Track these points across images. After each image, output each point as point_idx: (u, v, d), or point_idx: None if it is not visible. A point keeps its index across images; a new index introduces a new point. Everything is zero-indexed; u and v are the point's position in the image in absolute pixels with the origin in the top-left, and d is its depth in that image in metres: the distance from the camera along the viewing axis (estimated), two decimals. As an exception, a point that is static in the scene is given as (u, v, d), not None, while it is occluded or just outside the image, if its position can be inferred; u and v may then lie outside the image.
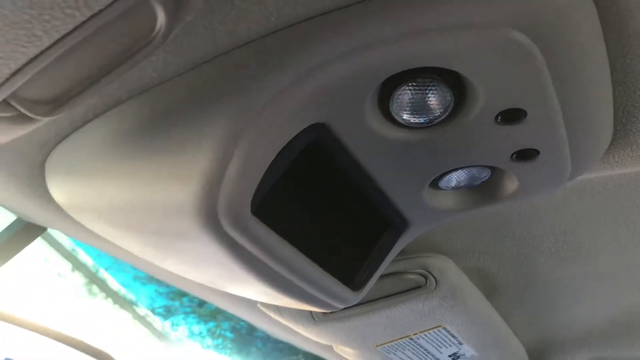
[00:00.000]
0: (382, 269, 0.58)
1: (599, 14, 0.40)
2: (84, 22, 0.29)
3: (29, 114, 0.33)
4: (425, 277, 0.73)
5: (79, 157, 0.44)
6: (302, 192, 0.47)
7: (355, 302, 0.56)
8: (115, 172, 0.41)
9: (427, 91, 0.41)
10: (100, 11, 0.28)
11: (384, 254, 0.56)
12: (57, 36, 0.29)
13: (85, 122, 0.43)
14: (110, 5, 0.28)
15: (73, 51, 0.30)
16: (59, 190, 0.47)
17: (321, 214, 0.51)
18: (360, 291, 0.56)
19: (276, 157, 0.40)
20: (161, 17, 0.31)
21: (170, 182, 0.38)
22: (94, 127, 0.43)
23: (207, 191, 0.37)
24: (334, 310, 0.65)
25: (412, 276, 0.73)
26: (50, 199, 0.49)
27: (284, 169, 0.42)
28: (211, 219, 0.38)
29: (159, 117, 0.40)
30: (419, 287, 0.73)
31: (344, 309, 0.69)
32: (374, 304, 0.74)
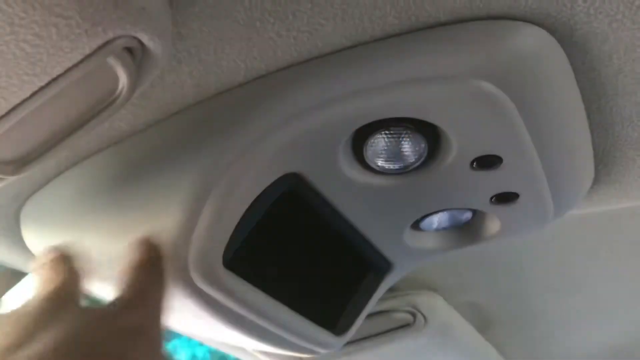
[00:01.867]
0: (367, 311, 0.57)
1: (569, 61, 0.40)
2: (43, 87, 0.28)
3: None
4: (414, 315, 0.72)
5: (52, 208, 0.43)
6: (278, 239, 0.47)
7: (339, 347, 0.55)
8: (87, 224, 0.41)
9: (401, 139, 0.41)
10: (60, 75, 0.28)
11: (368, 296, 0.56)
12: (16, 101, 0.29)
13: (58, 174, 0.43)
14: (69, 70, 0.28)
15: (35, 113, 0.30)
16: (33, 240, 0.46)
17: (300, 260, 0.50)
18: (344, 335, 0.55)
19: (248, 209, 0.40)
20: (123, 79, 0.31)
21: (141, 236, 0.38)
22: (67, 179, 0.43)
23: (176, 248, 0.36)
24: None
25: (400, 314, 0.72)
26: (26, 247, 0.48)
27: (257, 220, 0.41)
28: (182, 275, 0.37)
29: (129, 169, 0.40)
30: (407, 325, 0.72)
31: (331, 350, 0.68)
32: (362, 343, 0.73)
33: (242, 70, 0.38)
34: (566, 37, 0.38)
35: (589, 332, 0.94)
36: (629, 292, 0.81)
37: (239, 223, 0.39)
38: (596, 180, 0.53)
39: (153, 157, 0.39)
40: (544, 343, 0.97)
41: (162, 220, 0.37)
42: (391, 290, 0.70)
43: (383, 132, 0.41)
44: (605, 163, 0.51)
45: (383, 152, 0.42)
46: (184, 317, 0.45)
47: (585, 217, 0.64)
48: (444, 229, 0.53)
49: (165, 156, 0.39)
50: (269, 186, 0.40)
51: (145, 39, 0.29)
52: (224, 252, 0.39)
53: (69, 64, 0.28)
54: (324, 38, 0.36)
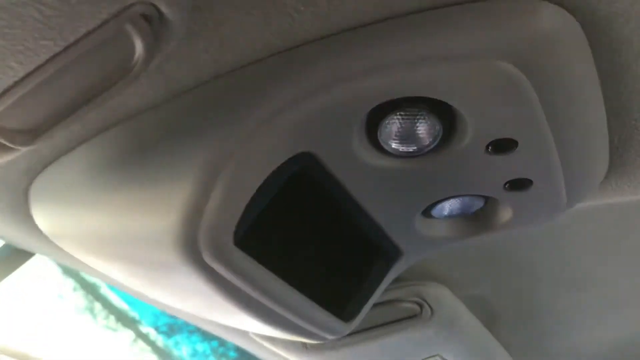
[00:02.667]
0: (375, 298, 0.57)
1: (590, 43, 0.39)
2: (59, 53, 0.28)
3: (8, 144, 0.32)
4: (421, 306, 0.71)
5: (62, 185, 0.43)
6: (289, 221, 0.47)
7: (346, 333, 0.55)
8: (97, 201, 0.40)
9: (416, 120, 0.41)
10: (76, 42, 0.28)
11: (376, 283, 0.55)
12: (31, 67, 0.28)
13: (69, 150, 0.43)
14: (85, 36, 0.28)
15: (50, 81, 0.30)
16: (42, 218, 0.46)
17: (310, 243, 0.50)
18: (352, 322, 0.55)
19: (260, 186, 0.39)
20: (139, 47, 0.30)
21: (151, 213, 0.37)
22: (78, 155, 0.43)
23: (187, 223, 0.36)
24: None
25: (407, 305, 0.72)
26: (35, 226, 0.48)
27: (269, 199, 0.41)
28: (192, 251, 0.37)
29: (141, 146, 0.40)
30: (414, 315, 0.72)
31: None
32: (368, 333, 0.73)
33: (258, 46, 0.37)
34: (587, 18, 0.37)
35: (597, 329, 0.93)
36: (639, 288, 0.80)
37: (250, 201, 0.39)
38: (610, 171, 0.53)
39: (166, 134, 0.39)
40: (550, 339, 0.96)
41: (173, 196, 0.36)
42: (398, 280, 0.70)
43: (398, 113, 0.40)
44: (620, 153, 0.50)
45: (397, 133, 0.41)
46: (190, 296, 0.44)
47: (596, 210, 0.63)
48: (456, 216, 0.53)
49: (179, 133, 0.39)
50: (281, 164, 0.40)
51: (163, 6, 0.28)
52: (235, 230, 0.39)
53: (85, 30, 0.27)
54: (342, 14, 0.36)
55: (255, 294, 0.42)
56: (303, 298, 0.47)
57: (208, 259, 0.38)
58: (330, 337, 0.54)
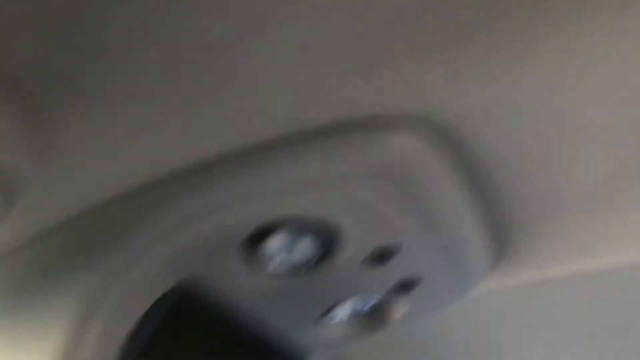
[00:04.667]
0: None
1: (449, 158, 0.42)
2: None
3: None
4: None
5: None
6: (180, 345, 0.46)
7: None
8: None
9: (293, 241, 0.42)
10: None
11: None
12: None
13: None
14: None
15: None
16: None
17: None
18: None
19: (140, 322, 0.39)
20: None
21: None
22: None
23: None
24: None
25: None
26: None
27: (151, 332, 0.41)
28: None
29: (9, 289, 0.39)
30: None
31: None
32: None
33: (124, 181, 0.38)
34: (442, 140, 0.40)
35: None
36: None
37: (131, 338, 0.39)
38: (499, 258, 0.55)
39: (30, 279, 0.38)
40: None
41: (42, 345, 0.36)
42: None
43: (276, 236, 0.41)
44: (501, 241, 0.53)
45: (276, 255, 0.42)
46: None
47: (492, 295, 0.65)
48: (350, 317, 0.54)
49: (42, 278, 0.38)
50: (163, 295, 0.40)
51: (8, 164, 0.29)
52: None
53: None
54: (211, 144, 0.37)
55: None
56: None
57: None
58: None
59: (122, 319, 0.38)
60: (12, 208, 0.31)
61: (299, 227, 0.41)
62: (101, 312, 0.36)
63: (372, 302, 0.53)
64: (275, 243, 0.42)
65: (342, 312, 0.52)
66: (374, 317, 0.54)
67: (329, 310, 0.50)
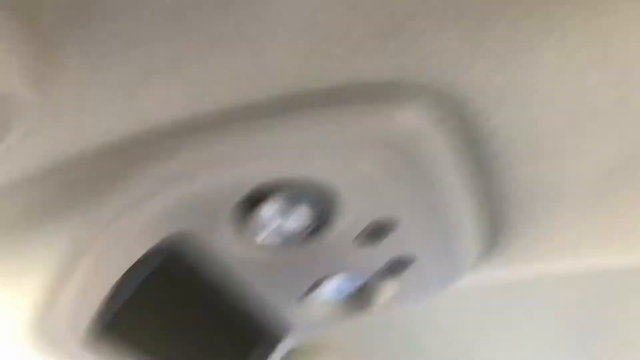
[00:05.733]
0: None
1: (459, 134, 0.41)
2: None
3: None
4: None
5: None
6: (161, 305, 0.45)
7: None
8: None
9: (289, 209, 0.41)
10: None
11: (259, 365, 0.54)
12: None
13: None
14: None
15: None
16: None
17: (187, 327, 0.48)
18: None
19: (125, 274, 0.38)
20: None
21: (4, 300, 0.35)
22: None
23: (38, 317, 0.34)
24: None
25: (297, 379, 0.70)
26: None
27: (136, 285, 0.39)
28: (42, 347, 0.35)
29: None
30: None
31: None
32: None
33: (123, 127, 0.36)
34: (454, 113, 0.39)
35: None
36: None
37: (114, 290, 0.37)
38: (491, 246, 0.55)
39: (23, 215, 0.37)
40: None
41: (23, 286, 0.34)
42: (292, 350, 0.68)
43: (271, 202, 0.40)
44: (499, 228, 0.52)
45: (268, 224, 0.41)
46: None
47: (481, 286, 0.65)
48: (336, 297, 0.53)
49: (36, 215, 0.36)
50: (149, 250, 0.39)
51: (8, 90, 0.27)
52: (98, 322, 0.37)
53: None
54: (212, 95, 0.35)
55: None
56: None
57: (60, 355, 0.36)
58: None
59: (109, 267, 0.36)
60: (6, 137, 0.30)
61: (295, 194, 0.40)
62: (87, 259, 0.35)
63: (359, 283, 0.52)
64: (269, 210, 0.40)
65: (328, 291, 0.51)
66: (360, 300, 0.54)
67: (315, 287, 0.49)
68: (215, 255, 0.42)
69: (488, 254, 0.56)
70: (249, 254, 0.42)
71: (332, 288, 0.51)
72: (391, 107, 0.37)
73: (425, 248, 0.46)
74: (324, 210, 0.41)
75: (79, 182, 0.37)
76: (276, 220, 0.41)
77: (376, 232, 0.43)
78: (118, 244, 0.36)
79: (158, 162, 0.37)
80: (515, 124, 0.40)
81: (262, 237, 0.42)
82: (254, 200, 0.40)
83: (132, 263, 0.38)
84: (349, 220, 0.41)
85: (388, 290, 0.53)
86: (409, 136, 0.38)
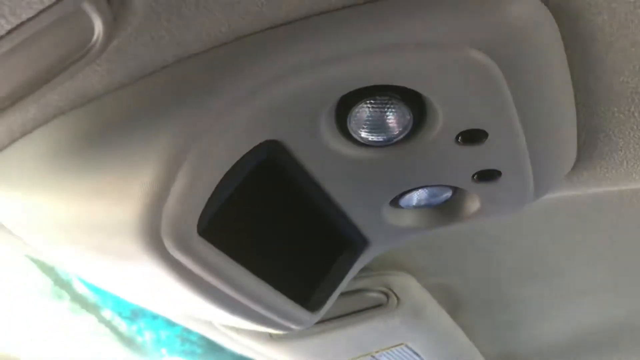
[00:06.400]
0: (341, 288, 0.56)
1: (562, 34, 0.39)
2: (11, 31, 0.27)
3: None
4: (387, 295, 0.71)
5: (17, 171, 0.41)
6: (255, 210, 0.46)
7: (312, 324, 0.54)
8: (55, 187, 0.39)
9: (386, 109, 0.40)
10: (29, 19, 0.26)
11: (343, 273, 0.55)
12: None
13: (24, 133, 0.41)
14: (40, 13, 0.26)
15: (3, 61, 0.28)
16: (-3, 203, 0.44)
17: (276, 233, 0.49)
18: (318, 312, 0.54)
19: (225, 175, 0.38)
20: (99, 27, 0.29)
21: (112, 200, 0.36)
22: (34, 139, 0.41)
23: (149, 211, 0.35)
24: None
25: (373, 294, 0.71)
26: None
27: (234, 187, 0.40)
28: (154, 241, 0.36)
29: (102, 130, 0.38)
30: (380, 305, 0.72)
31: (303, 328, 0.67)
32: (333, 322, 0.73)
33: (224, 29, 0.36)
34: (560, 8, 0.37)
35: (559, 320, 0.95)
36: (600, 280, 0.82)
37: (215, 190, 0.38)
38: (577, 163, 0.53)
39: (127, 118, 0.37)
40: (512, 328, 0.98)
41: (135, 183, 0.35)
42: (365, 269, 0.69)
43: (368, 102, 0.39)
44: (587, 145, 0.51)
45: (367, 122, 0.41)
46: (152, 287, 0.43)
47: (561, 201, 0.64)
48: (423, 207, 0.53)
49: (140, 118, 0.37)
50: (247, 153, 0.39)
51: None
52: (199, 219, 0.38)
53: (40, 6, 0.26)
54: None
55: (219, 285, 0.41)
56: (269, 288, 0.46)
57: (171, 249, 0.37)
58: (296, 327, 0.53)
59: (215, 160, 0.37)
60: (113, 40, 0.30)
61: (391, 97, 0.39)
62: (191, 159, 0.35)
63: (446, 196, 0.52)
64: (365, 111, 0.40)
65: (416, 199, 0.51)
66: (445, 211, 0.53)
67: (405, 195, 0.49)
68: (312, 158, 0.43)
69: (571, 172, 0.55)
70: (349, 151, 0.42)
71: (420, 197, 0.51)
72: (497, 3, 0.35)
73: (512, 163, 0.45)
74: (416, 116, 0.40)
75: (182, 84, 0.37)
76: (372, 120, 0.41)
77: (466, 141, 0.42)
78: (226, 136, 0.36)
79: (258, 64, 0.36)
80: (620, 29, 0.38)
81: (358, 136, 0.41)
82: (350, 103, 0.39)
83: (237, 159, 0.38)
84: (441, 125, 0.40)
85: (472, 203, 0.52)
86: (512, 37, 0.35)
